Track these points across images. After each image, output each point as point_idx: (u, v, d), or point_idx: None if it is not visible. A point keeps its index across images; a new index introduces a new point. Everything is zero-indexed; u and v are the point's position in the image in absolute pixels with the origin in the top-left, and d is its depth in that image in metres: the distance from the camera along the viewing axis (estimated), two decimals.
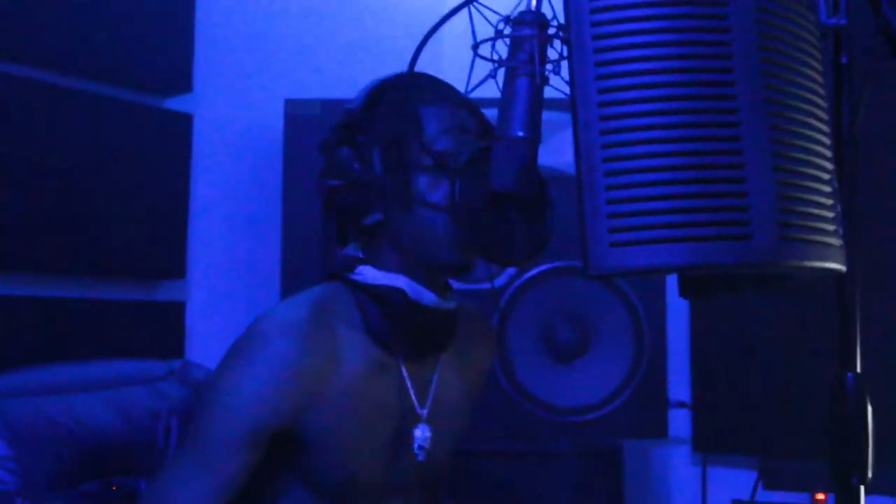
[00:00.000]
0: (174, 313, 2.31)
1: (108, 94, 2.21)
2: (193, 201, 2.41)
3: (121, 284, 2.25)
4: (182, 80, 2.37)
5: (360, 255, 1.33)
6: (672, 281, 2.43)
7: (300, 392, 1.22)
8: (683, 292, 1.08)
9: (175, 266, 2.33)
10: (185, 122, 2.38)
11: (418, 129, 1.27)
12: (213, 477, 1.19)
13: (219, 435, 1.20)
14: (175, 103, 2.39)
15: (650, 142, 0.87)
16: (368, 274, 1.30)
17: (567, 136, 2.39)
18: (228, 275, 2.51)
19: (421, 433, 1.32)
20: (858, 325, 1.09)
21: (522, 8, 1.13)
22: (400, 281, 1.28)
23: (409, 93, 1.29)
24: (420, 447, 1.31)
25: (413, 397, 1.33)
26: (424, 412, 1.32)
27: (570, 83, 0.91)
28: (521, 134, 1.12)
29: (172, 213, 2.33)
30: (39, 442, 1.34)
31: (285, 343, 1.21)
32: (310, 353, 1.22)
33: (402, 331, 1.28)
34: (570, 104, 2.49)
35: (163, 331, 2.26)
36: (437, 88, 1.32)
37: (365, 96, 1.32)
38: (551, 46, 1.15)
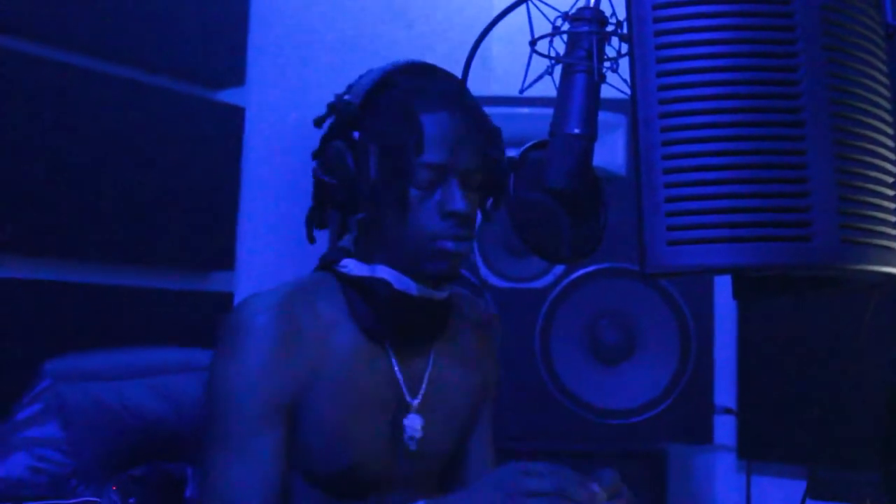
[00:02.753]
0: (223, 304, 2.33)
1: (162, 86, 2.24)
2: (244, 194, 2.42)
3: (172, 274, 2.27)
4: (235, 74, 2.39)
5: (351, 248, 1.34)
6: (720, 284, 2.41)
7: (295, 364, 1.23)
8: (737, 294, 1.07)
9: (225, 258, 2.35)
10: (237, 116, 2.40)
11: (419, 141, 1.25)
12: (251, 461, 1.19)
13: (238, 421, 1.21)
14: (227, 96, 2.41)
15: (711, 140, 0.86)
16: (353, 267, 1.31)
17: (618, 137, 2.38)
18: (277, 268, 2.52)
19: (411, 423, 1.32)
20: None
21: (581, 4, 1.12)
22: (385, 272, 1.29)
23: (411, 96, 1.27)
24: (411, 437, 1.31)
25: (403, 387, 1.33)
26: (416, 402, 1.32)
27: (631, 80, 0.91)
28: (577, 131, 1.12)
29: (223, 205, 2.35)
30: (91, 426, 1.36)
31: (267, 320, 1.23)
32: (293, 327, 1.24)
33: (388, 320, 1.30)
34: (621, 105, 2.46)
35: (212, 321, 2.28)
36: (439, 91, 1.29)
37: (365, 91, 1.30)
38: (609, 44, 1.15)
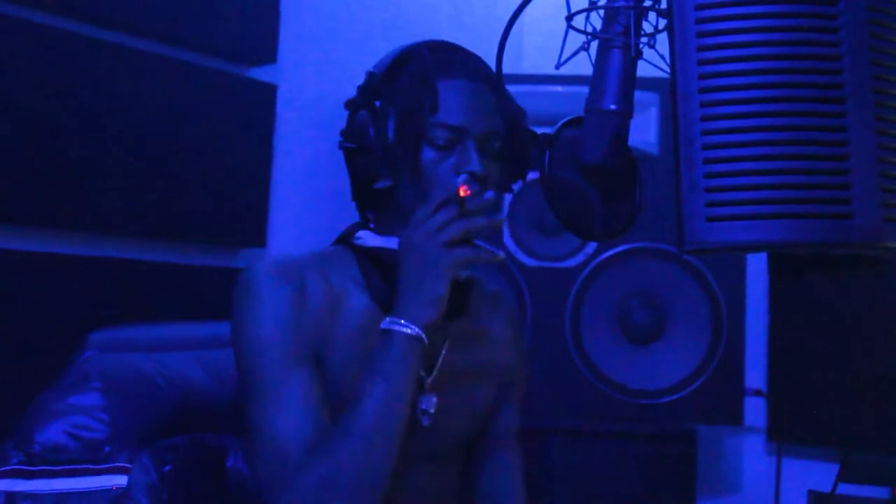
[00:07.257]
0: None
1: (195, 63, 2.24)
2: (276, 172, 2.43)
3: (203, 251, 2.29)
4: (267, 51, 2.39)
5: (371, 224, 1.36)
6: (752, 265, 2.39)
7: (307, 322, 1.25)
8: (774, 272, 1.06)
9: (256, 235, 2.36)
10: (269, 93, 2.40)
11: (434, 102, 1.27)
12: (289, 404, 1.20)
13: (269, 366, 1.22)
14: (260, 73, 2.41)
15: (751, 115, 0.85)
16: (367, 238, 1.33)
17: (651, 116, 2.36)
18: (308, 245, 2.52)
19: (424, 397, 1.30)
20: None
21: None
22: (397, 244, 1.29)
23: (429, 64, 1.30)
24: (423, 411, 1.29)
25: None
26: (429, 379, 1.30)
27: (670, 54, 0.90)
28: (613, 107, 1.11)
29: (255, 182, 2.36)
30: (129, 394, 1.38)
31: (275, 277, 1.25)
32: (298, 287, 1.26)
33: None
34: (653, 83, 2.43)
35: None
36: (458, 61, 1.32)
37: (388, 63, 1.32)
38: (646, 19, 1.14)
